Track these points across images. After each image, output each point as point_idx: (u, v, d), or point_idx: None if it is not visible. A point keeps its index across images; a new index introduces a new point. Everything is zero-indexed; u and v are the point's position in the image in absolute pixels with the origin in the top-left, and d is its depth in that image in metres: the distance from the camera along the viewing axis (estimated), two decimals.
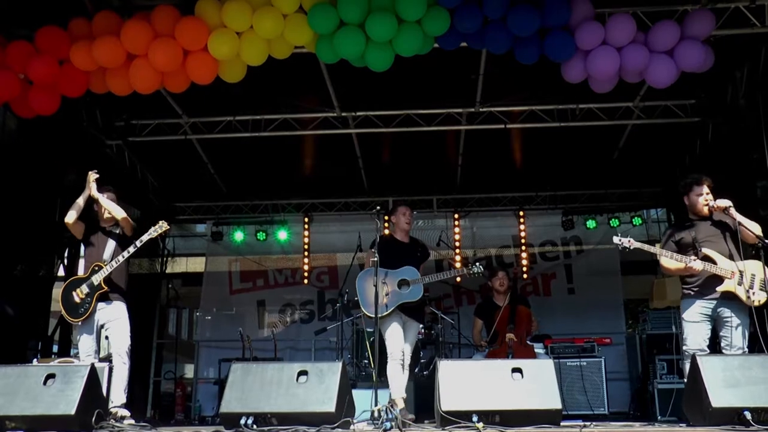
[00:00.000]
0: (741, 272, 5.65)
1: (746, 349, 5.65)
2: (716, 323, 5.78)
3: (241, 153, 10.81)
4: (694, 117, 9.56)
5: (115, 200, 6.68)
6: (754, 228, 5.79)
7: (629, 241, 5.92)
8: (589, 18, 6.91)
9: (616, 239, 6.00)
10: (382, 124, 9.85)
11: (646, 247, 6.01)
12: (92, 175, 6.66)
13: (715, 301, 5.73)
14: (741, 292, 5.63)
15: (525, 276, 12.22)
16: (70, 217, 6.60)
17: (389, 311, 6.44)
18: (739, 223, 5.74)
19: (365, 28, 6.71)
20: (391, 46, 6.87)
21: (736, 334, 5.64)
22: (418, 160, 11.14)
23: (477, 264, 6.83)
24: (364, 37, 6.77)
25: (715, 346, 5.89)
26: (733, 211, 5.77)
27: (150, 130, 10.09)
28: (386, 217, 7.17)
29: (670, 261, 5.87)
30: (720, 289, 5.68)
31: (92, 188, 6.61)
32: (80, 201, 6.63)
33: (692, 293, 5.84)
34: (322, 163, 11.58)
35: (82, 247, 6.94)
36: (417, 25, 6.77)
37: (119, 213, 6.57)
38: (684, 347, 5.81)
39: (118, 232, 6.64)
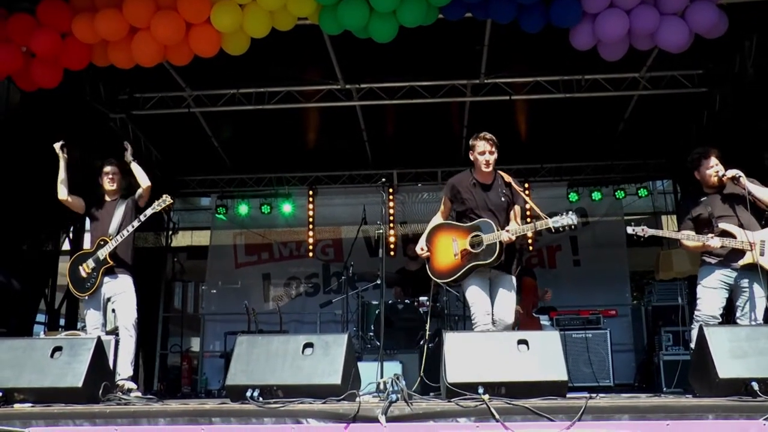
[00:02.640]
0: (762, 242, 5.63)
1: (760, 321, 5.62)
2: (734, 293, 5.76)
3: (245, 126, 10.78)
4: (701, 87, 9.49)
5: (118, 173, 6.70)
6: (767, 196, 5.74)
7: (643, 229, 5.91)
8: None
9: (629, 230, 6.00)
10: (386, 96, 9.80)
11: (660, 232, 6.02)
12: (56, 146, 6.64)
13: (736, 272, 5.71)
14: (765, 262, 5.61)
15: (530, 248, 12.21)
16: (62, 193, 6.60)
17: (459, 275, 5.72)
18: (749, 193, 5.70)
19: None
20: (395, 17, 6.81)
21: (752, 305, 5.63)
22: (422, 133, 11.09)
23: (568, 213, 5.58)
24: (368, 8, 6.71)
25: (729, 316, 5.87)
26: (744, 180, 5.72)
27: (153, 103, 10.06)
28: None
29: (688, 240, 5.87)
30: (742, 262, 5.65)
31: (127, 154, 6.65)
32: (62, 175, 6.62)
33: (713, 262, 5.81)
34: (326, 135, 11.54)
35: (88, 221, 6.94)
36: None
37: (146, 182, 6.65)
38: (697, 312, 5.77)
39: (123, 206, 6.64)
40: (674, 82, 9.50)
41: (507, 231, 5.57)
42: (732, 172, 5.76)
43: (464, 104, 10.22)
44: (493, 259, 5.57)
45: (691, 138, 10.34)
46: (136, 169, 6.68)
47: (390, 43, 7.10)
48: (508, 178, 5.89)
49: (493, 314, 5.71)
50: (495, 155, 5.84)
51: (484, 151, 5.81)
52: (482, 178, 5.90)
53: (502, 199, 5.81)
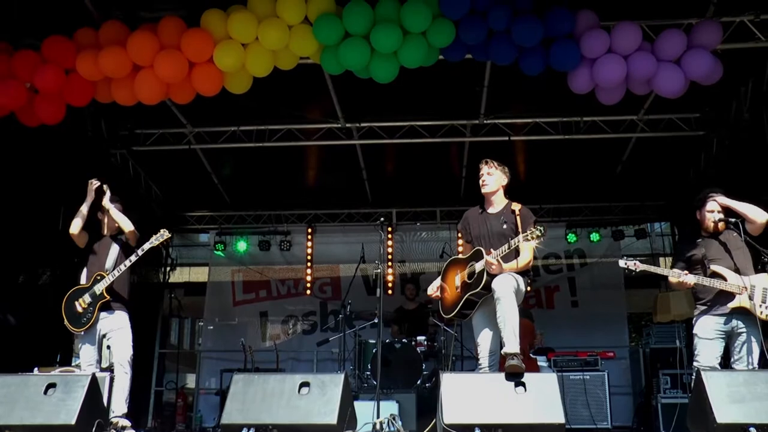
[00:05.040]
0: (753, 287, 5.64)
1: (755, 365, 5.59)
2: (729, 337, 5.73)
3: (245, 163, 10.83)
4: (699, 131, 9.56)
5: (121, 210, 6.69)
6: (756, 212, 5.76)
7: (635, 263, 5.90)
8: (593, 27, 6.91)
9: (621, 263, 5.96)
10: (386, 136, 9.86)
11: (652, 268, 6.01)
12: (93, 183, 6.68)
13: (726, 316, 5.69)
14: (753, 307, 5.61)
15: (528, 288, 12.18)
16: (75, 227, 6.60)
17: (458, 308, 5.50)
18: (745, 238, 5.72)
19: (370, 39, 6.74)
20: (396, 58, 6.89)
21: (748, 350, 5.61)
22: (421, 172, 11.14)
23: (536, 227, 5.13)
24: (369, 49, 6.79)
25: (725, 360, 5.84)
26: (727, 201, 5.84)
27: (154, 139, 10.12)
28: None
29: (671, 276, 5.90)
30: (731, 305, 5.64)
31: (105, 199, 6.61)
32: (83, 210, 6.63)
33: (705, 308, 5.81)
34: (325, 173, 11.60)
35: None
36: (422, 36, 6.79)
37: (127, 226, 6.56)
38: (695, 363, 5.74)
39: (120, 241, 6.63)
40: (672, 125, 9.57)
41: (488, 255, 5.34)
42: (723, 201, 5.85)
43: (463, 144, 10.28)
44: (481, 287, 5.35)
45: (689, 180, 10.38)
46: (116, 215, 6.59)
47: (391, 83, 7.16)
48: (516, 206, 5.63)
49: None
50: (494, 176, 5.72)
51: (481, 174, 5.76)
52: (488, 205, 5.78)
53: (504, 226, 5.55)
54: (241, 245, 12.80)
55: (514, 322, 5.22)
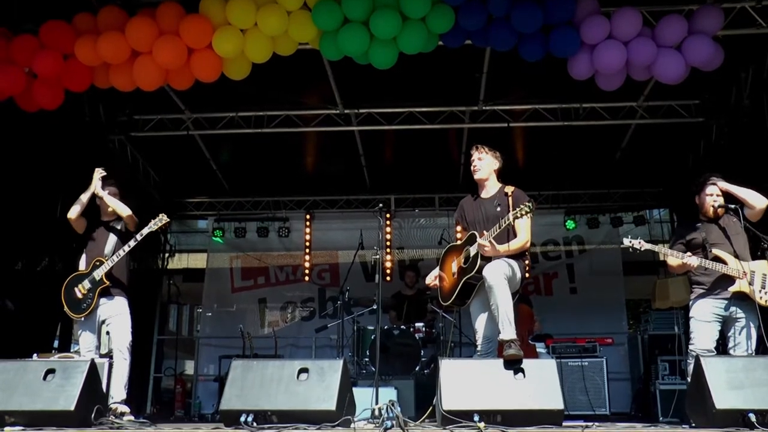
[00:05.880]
0: (752, 272, 5.64)
1: (752, 351, 5.60)
2: (725, 323, 5.74)
3: (243, 149, 10.81)
4: (699, 117, 9.54)
5: (117, 195, 6.69)
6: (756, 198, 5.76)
7: (639, 242, 5.83)
8: (594, 13, 6.87)
9: (626, 241, 5.91)
10: (384, 122, 9.84)
11: (656, 248, 5.98)
12: (98, 172, 6.66)
13: (726, 301, 5.69)
14: (752, 293, 5.61)
15: (527, 275, 12.20)
16: (74, 212, 6.60)
17: (456, 294, 5.51)
18: (744, 227, 5.72)
19: (369, 25, 6.71)
20: (395, 44, 6.86)
21: (744, 335, 5.62)
22: (420, 158, 11.12)
23: (526, 204, 5.09)
24: (368, 34, 6.76)
25: (720, 346, 5.85)
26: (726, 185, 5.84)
27: (152, 125, 10.08)
28: None
29: (672, 258, 5.88)
30: (732, 289, 5.64)
31: (97, 186, 6.61)
32: (84, 197, 6.63)
33: (703, 291, 5.80)
34: (324, 160, 11.57)
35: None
36: (421, 22, 6.76)
37: (124, 211, 6.56)
38: (691, 346, 5.75)
39: (119, 227, 6.63)
40: (671, 112, 9.55)
41: (481, 237, 5.35)
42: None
43: (462, 131, 10.25)
44: (476, 270, 5.33)
45: (688, 167, 10.37)
46: (111, 201, 6.61)
47: (389, 69, 7.14)
48: (509, 188, 5.61)
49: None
50: (485, 161, 5.74)
51: (472, 160, 5.78)
52: (481, 190, 5.79)
53: (498, 209, 5.51)
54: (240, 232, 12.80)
55: (507, 309, 5.21)
